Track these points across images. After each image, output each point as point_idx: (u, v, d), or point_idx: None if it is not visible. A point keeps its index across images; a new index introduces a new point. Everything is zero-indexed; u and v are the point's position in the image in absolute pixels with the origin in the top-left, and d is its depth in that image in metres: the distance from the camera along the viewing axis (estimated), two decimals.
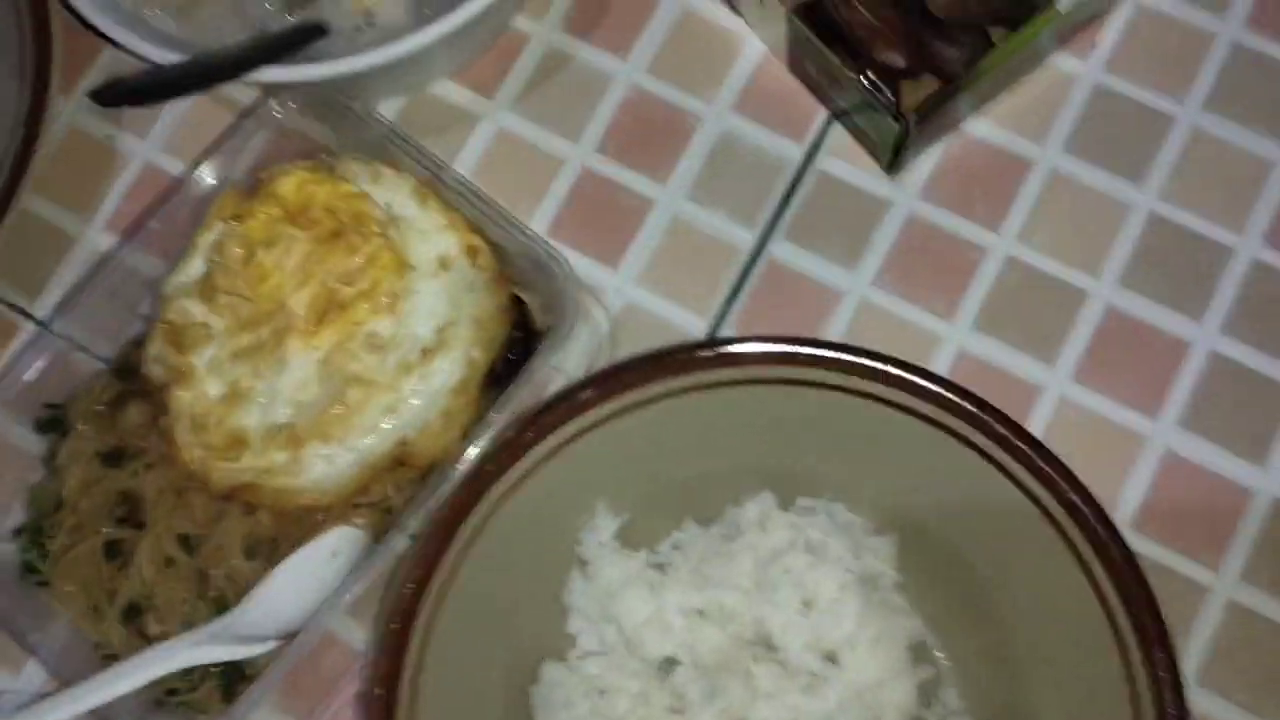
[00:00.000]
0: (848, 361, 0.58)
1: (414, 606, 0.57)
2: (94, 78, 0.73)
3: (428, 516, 0.57)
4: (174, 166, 0.72)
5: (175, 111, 0.72)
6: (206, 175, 0.65)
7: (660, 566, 0.59)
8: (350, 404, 0.58)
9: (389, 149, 0.63)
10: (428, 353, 0.59)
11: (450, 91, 0.71)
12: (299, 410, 0.59)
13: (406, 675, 0.57)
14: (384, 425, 0.59)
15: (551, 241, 0.61)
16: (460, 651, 0.58)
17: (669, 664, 0.58)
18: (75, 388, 0.64)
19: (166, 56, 0.62)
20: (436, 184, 0.62)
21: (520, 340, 0.62)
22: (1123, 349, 0.64)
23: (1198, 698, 0.59)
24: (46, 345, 0.63)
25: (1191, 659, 0.60)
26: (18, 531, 0.62)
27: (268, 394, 0.60)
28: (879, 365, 0.58)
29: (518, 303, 0.63)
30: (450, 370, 0.59)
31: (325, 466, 0.59)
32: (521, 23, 0.72)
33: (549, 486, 0.59)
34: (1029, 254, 0.66)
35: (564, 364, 0.64)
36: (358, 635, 0.63)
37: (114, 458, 0.61)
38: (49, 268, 0.71)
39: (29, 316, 0.70)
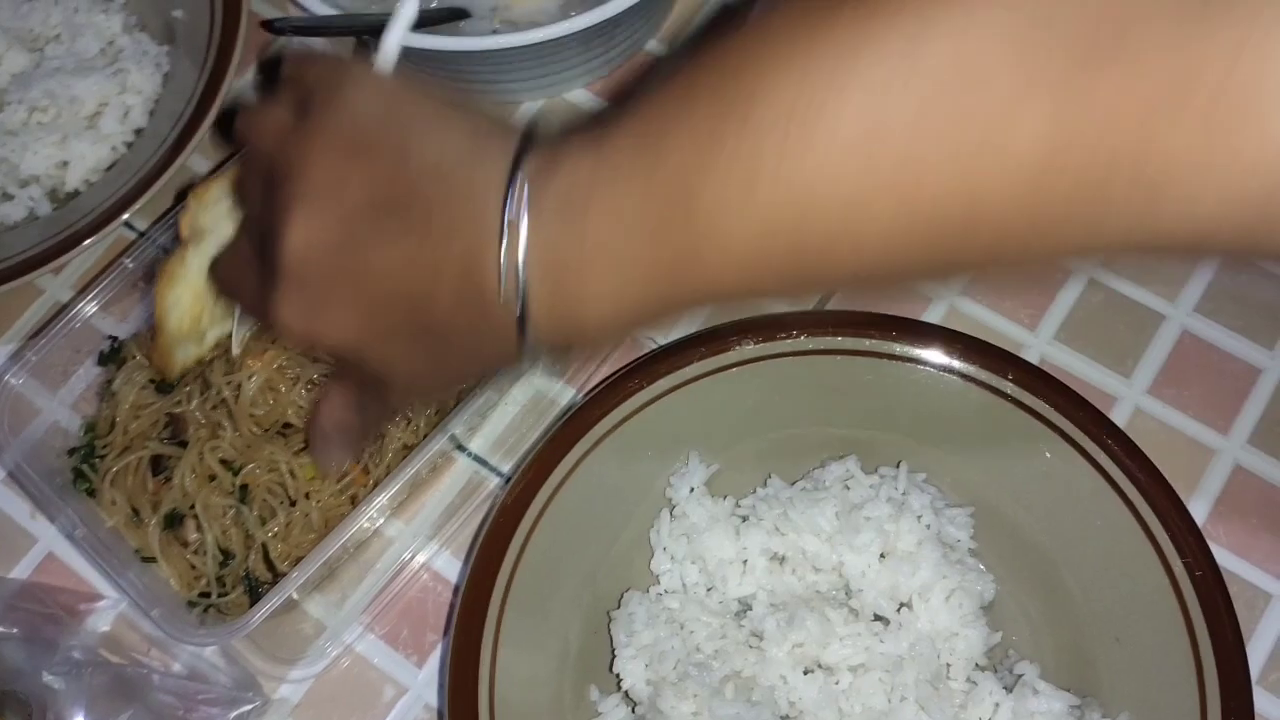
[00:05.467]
0: (940, 334, 0.63)
1: (508, 534, 0.61)
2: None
3: (529, 451, 0.61)
4: None
5: None
6: None
7: (744, 516, 0.62)
8: None
9: None
10: None
11: (584, 99, 0.78)
12: None
13: (495, 597, 0.60)
14: None
15: None
16: (546, 580, 0.61)
17: (746, 607, 0.61)
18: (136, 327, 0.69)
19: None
20: None
21: None
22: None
23: (1260, 699, 0.60)
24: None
25: (1256, 660, 0.61)
26: (72, 451, 0.67)
27: None
28: (976, 342, 0.62)
29: None
30: None
31: None
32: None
33: (645, 432, 0.63)
34: (1108, 278, 0.71)
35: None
36: (453, 566, 0.66)
37: (164, 386, 0.66)
38: None
39: None
